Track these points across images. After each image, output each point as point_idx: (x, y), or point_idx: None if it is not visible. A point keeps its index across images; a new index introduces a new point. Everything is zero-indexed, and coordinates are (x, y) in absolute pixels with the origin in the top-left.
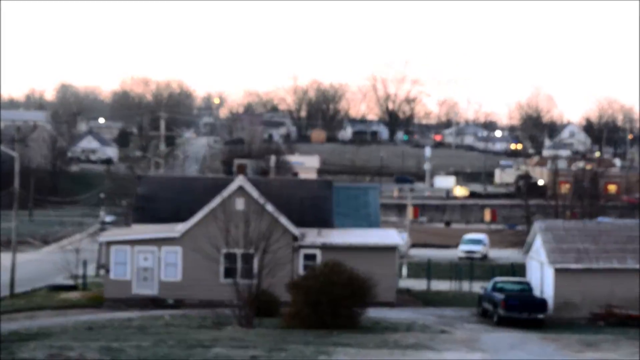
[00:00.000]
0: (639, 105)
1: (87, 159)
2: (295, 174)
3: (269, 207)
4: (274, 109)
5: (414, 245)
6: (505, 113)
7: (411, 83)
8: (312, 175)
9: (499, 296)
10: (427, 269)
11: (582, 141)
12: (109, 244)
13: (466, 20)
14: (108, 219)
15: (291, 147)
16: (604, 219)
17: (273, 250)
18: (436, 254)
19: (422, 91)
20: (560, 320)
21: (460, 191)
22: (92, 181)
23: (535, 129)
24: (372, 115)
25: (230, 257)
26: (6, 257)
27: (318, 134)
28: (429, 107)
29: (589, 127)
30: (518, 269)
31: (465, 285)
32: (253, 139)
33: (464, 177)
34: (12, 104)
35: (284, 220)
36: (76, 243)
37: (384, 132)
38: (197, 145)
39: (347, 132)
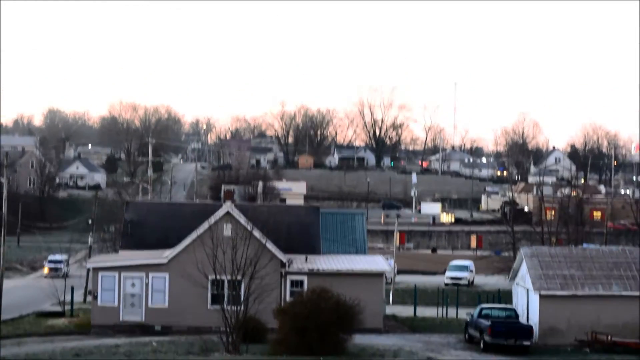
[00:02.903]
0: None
1: (75, 184)
2: (283, 200)
3: (257, 233)
4: (262, 134)
5: (400, 272)
6: (491, 139)
7: (398, 109)
8: (300, 201)
9: (485, 323)
10: (414, 295)
11: (567, 168)
12: (97, 270)
13: (453, 47)
14: (57, 257)
15: (279, 172)
16: (590, 245)
17: (260, 276)
18: (423, 280)
19: (408, 117)
20: (546, 346)
21: (447, 217)
22: (80, 207)
23: (521, 156)
24: (359, 141)
25: (217, 283)
26: None
27: (305, 160)
28: (416, 133)
29: (574, 154)
30: (504, 296)
31: (452, 312)
32: (241, 165)
33: (450, 203)
34: (1, 130)
35: (271, 246)
36: (64, 269)
37: (371, 158)
38: (184, 171)
39: (334, 158)
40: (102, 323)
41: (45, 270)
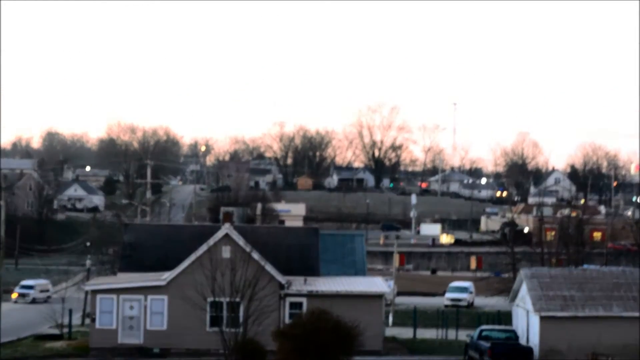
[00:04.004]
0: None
1: (74, 207)
2: (282, 222)
3: (255, 255)
4: (260, 156)
5: (400, 293)
6: (490, 160)
7: (397, 130)
8: (299, 223)
9: (485, 344)
10: (414, 317)
11: (567, 188)
12: (95, 292)
13: (452, 68)
14: (30, 282)
15: (277, 194)
16: (590, 266)
17: (259, 298)
18: (422, 301)
19: (408, 138)
20: None
21: (446, 239)
22: (78, 229)
23: (521, 176)
24: (358, 163)
25: (216, 306)
26: None
27: (304, 181)
28: (415, 154)
29: (574, 174)
30: (504, 317)
31: (452, 333)
32: (239, 187)
33: (449, 224)
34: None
35: (270, 268)
36: (62, 292)
37: (370, 179)
38: (183, 193)
39: (333, 180)
40: (100, 346)
41: (13, 295)
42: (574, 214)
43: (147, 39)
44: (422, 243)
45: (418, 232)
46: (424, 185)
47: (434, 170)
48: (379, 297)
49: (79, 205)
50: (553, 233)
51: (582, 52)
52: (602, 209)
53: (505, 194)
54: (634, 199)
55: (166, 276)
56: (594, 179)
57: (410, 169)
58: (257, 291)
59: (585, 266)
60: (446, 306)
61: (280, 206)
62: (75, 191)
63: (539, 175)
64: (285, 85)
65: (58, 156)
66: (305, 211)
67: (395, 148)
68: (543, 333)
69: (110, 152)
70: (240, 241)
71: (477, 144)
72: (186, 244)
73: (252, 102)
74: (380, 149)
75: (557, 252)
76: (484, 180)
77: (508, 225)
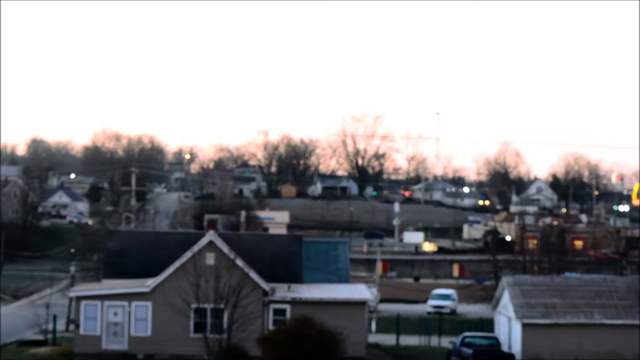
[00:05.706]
0: None
1: (58, 213)
2: (266, 229)
3: (240, 262)
4: (245, 164)
5: (383, 300)
6: (473, 169)
7: (381, 139)
8: (282, 231)
9: (468, 351)
10: (397, 324)
11: (549, 197)
12: (79, 298)
13: (435, 77)
14: None
15: (261, 202)
16: (571, 274)
17: (243, 305)
18: (405, 308)
19: (391, 147)
20: None
21: (429, 246)
22: (63, 236)
23: (503, 185)
24: (342, 171)
25: (200, 312)
26: None
27: (288, 189)
28: (398, 162)
29: (555, 183)
30: (486, 324)
31: (434, 340)
32: (224, 194)
33: (432, 232)
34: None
35: (254, 275)
36: (46, 298)
37: (353, 187)
38: (168, 200)
39: (317, 188)
40: (84, 352)
41: None
42: (555, 223)
43: (131, 47)
44: (405, 251)
45: (401, 240)
46: (407, 193)
47: (417, 179)
48: (362, 304)
49: (63, 212)
50: (535, 241)
51: (564, 62)
52: (584, 217)
53: (487, 202)
54: (615, 208)
55: (150, 283)
56: (575, 188)
57: (393, 177)
58: (241, 298)
59: (567, 274)
60: (429, 313)
61: (264, 214)
62: (60, 198)
63: (521, 184)
64: (270, 93)
65: (43, 163)
66: (289, 219)
67: (378, 157)
68: (525, 340)
69: (95, 159)
70: (225, 248)
71: (460, 153)
72: (170, 251)
73: (237, 110)
74: (363, 158)
75: (539, 260)
76: (466, 189)
77: (490, 233)
